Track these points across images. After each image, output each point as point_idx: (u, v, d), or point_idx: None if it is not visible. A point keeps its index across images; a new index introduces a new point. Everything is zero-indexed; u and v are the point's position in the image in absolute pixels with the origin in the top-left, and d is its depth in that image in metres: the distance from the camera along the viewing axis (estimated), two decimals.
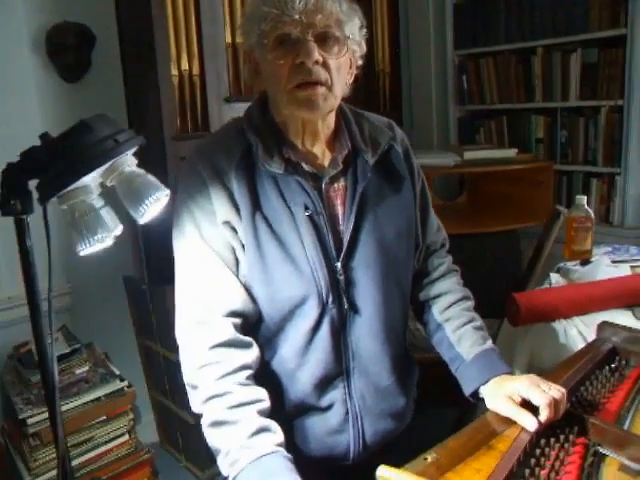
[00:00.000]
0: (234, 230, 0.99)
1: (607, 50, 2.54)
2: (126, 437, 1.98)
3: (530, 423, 0.92)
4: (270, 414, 0.97)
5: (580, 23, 2.56)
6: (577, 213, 1.89)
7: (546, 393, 0.94)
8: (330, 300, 1.01)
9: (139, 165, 0.85)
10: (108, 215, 0.80)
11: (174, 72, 2.19)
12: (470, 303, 1.17)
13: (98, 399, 1.90)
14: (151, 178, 0.83)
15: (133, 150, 0.80)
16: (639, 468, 0.85)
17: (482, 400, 1.06)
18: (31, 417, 1.76)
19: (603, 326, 1.28)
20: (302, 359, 1.03)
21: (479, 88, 3.04)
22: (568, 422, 0.96)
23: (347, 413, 1.06)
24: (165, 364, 2.31)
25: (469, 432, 0.99)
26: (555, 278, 1.78)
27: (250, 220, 0.97)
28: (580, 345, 1.36)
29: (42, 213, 0.76)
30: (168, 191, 0.85)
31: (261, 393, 0.97)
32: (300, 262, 0.99)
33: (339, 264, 1.02)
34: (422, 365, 1.25)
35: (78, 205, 0.76)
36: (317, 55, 0.94)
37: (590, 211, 1.90)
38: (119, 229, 0.83)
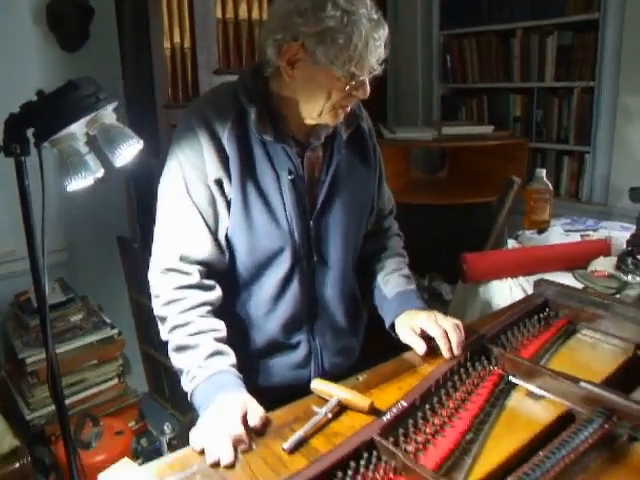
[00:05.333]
0: (222, 186, 1.11)
1: (581, 34, 2.65)
2: (115, 381, 2.16)
3: (420, 348, 1.14)
4: (242, 350, 1.12)
5: (557, 7, 2.67)
6: (537, 185, 2.04)
7: (440, 326, 1.12)
8: (302, 252, 1.17)
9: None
10: (92, 160, 0.97)
11: (167, 45, 2.31)
12: (403, 259, 1.36)
13: (91, 344, 2.08)
14: (126, 130, 0.99)
15: (112, 106, 0.95)
16: (542, 394, 1.01)
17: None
18: (29, 357, 1.94)
19: (539, 282, 1.42)
20: (274, 305, 1.18)
21: (462, 67, 3.16)
22: (489, 357, 1.11)
23: (310, 352, 1.23)
24: (154, 318, 2.47)
25: (399, 360, 1.16)
26: (512, 244, 1.93)
27: (239, 178, 1.10)
28: None
29: (38, 157, 0.92)
30: (141, 141, 1.00)
31: (218, 324, 1.12)
32: (280, 218, 1.14)
33: (312, 222, 1.17)
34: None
35: (66, 149, 0.93)
36: None
37: (549, 183, 2.04)
38: (101, 172, 1.00)
